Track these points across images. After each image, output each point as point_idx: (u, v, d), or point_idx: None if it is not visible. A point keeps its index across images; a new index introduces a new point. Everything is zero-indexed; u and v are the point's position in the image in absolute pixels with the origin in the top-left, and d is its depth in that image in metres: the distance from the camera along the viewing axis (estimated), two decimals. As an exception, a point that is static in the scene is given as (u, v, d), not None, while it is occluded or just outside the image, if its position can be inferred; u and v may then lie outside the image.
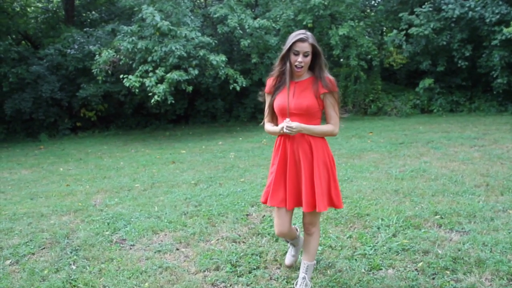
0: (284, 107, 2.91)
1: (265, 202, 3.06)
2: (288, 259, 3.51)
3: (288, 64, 2.90)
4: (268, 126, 3.09)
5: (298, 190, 2.99)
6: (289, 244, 3.53)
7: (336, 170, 3.07)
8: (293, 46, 2.83)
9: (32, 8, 17.98)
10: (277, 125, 3.03)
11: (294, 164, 2.97)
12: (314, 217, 3.07)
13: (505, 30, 12.00)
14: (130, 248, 4.14)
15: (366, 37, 15.48)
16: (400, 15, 14.70)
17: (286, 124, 2.83)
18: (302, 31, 2.89)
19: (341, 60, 16.13)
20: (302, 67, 2.86)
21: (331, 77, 2.93)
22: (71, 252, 4.09)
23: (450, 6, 13.53)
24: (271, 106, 3.03)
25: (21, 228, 4.86)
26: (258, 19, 13.70)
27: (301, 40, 2.82)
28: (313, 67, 2.95)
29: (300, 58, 2.84)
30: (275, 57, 14.16)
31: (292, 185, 2.98)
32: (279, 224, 3.06)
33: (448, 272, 3.29)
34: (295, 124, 2.83)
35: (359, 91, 15.59)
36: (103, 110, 15.91)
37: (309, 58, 2.86)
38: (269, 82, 3.05)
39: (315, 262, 3.25)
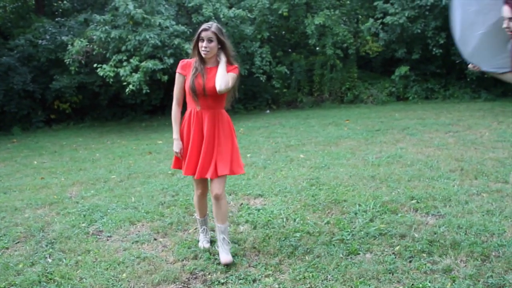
0: (199, 89, 3.33)
1: (176, 168, 3.63)
2: (205, 243, 3.76)
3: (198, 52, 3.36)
4: (176, 115, 3.49)
5: (207, 159, 3.40)
6: (200, 231, 3.82)
7: (236, 141, 3.56)
8: (200, 35, 3.29)
9: (0, -3, 17.48)
10: (184, 106, 3.52)
11: (206, 137, 3.39)
12: (221, 184, 3.42)
13: (477, 17, 12.15)
14: (107, 240, 4.08)
15: (342, 25, 15.54)
16: (375, 3, 14.77)
17: None
18: (208, 23, 3.37)
19: (317, 48, 16.15)
20: (208, 51, 3.28)
21: (235, 64, 3.41)
22: (46, 245, 4.01)
23: (424, -6, 13.65)
24: (183, 87, 3.45)
25: (-6, 222, 4.75)
26: (233, 8, 13.59)
27: (204, 30, 3.28)
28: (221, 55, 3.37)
29: (205, 43, 3.27)
30: (251, 46, 14.18)
31: (204, 156, 3.39)
32: (200, 188, 3.61)
33: (424, 255, 3.33)
34: None
35: (335, 79, 15.65)
36: (78, 101, 15.59)
37: (214, 44, 3.29)
38: (184, 64, 3.43)
39: (228, 224, 3.59)
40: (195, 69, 3.35)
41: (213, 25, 3.32)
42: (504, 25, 2.98)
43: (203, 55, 3.32)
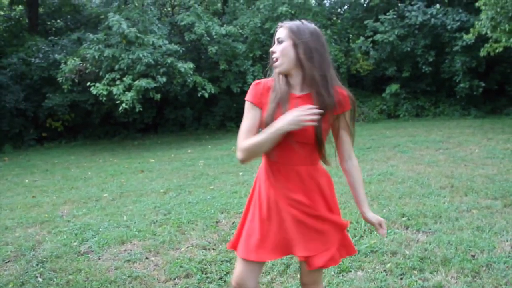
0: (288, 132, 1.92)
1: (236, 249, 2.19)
2: None
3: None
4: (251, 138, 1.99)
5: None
6: None
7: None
8: (273, 38, 2.06)
9: (-6, 16, 17.57)
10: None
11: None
12: (316, 277, 2.23)
13: (465, 36, 12.39)
14: (99, 259, 4.06)
15: (333, 44, 15.72)
16: (366, 22, 15.02)
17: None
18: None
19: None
20: (276, 57, 2.00)
21: (341, 88, 2.11)
22: (37, 265, 3.99)
23: (413, 13, 13.93)
24: (258, 125, 2.02)
25: (-16, 242, 4.72)
26: (225, 25, 13.74)
27: (277, 28, 2.08)
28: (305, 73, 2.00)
29: (273, 47, 2.03)
30: (243, 64, 14.28)
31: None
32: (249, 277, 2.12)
33: (415, 271, 3.35)
34: None
35: (327, 97, 15.74)
36: (70, 120, 15.62)
37: (285, 47, 1.98)
38: (258, 88, 2.07)
39: None
40: (275, 95, 2.00)
41: (288, 22, 2.06)
42: None
43: (273, 67, 2.04)
